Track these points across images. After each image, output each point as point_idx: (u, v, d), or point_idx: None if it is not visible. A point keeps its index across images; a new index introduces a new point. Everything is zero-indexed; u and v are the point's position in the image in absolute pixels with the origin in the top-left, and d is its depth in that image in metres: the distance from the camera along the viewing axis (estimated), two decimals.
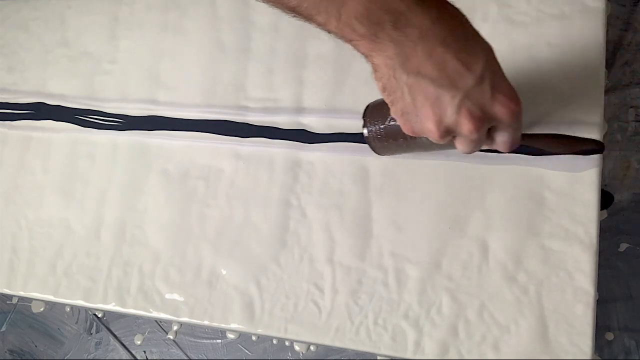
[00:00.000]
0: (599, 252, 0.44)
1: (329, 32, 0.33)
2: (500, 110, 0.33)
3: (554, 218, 0.45)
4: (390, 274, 0.48)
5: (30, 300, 1.29)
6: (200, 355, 1.19)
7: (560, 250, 0.45)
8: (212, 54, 0.58)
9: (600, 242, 0.44)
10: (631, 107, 0.98)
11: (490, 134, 0.36)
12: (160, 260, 0.54)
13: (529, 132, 0.47)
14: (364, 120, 0.45)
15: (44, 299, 0.58)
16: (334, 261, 0.49)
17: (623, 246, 0.97)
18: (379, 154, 0.47)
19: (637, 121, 0.98)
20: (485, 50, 0.33)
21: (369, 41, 0.32)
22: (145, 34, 0.61)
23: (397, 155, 0.50)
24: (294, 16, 0.34)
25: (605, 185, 0.98)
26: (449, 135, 0.34)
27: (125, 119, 0.60)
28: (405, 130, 0.36)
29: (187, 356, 1.19)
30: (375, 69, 0.34)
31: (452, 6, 0.32)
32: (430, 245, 0.47)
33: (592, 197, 0.45)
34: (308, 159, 0.52)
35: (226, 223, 0.53)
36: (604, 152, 0.45)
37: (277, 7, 0.34)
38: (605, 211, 0.97)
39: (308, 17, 0.33)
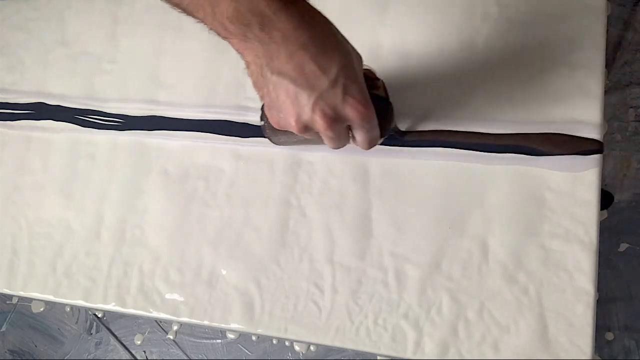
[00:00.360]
0: (599, 252, 0.44)
1: (210, 28, 0.36)
2: (350, 112, 0.36)
3: (554, 218, 0.45)
4: (390, 274, 0.48)
5: (30, 300, 1.29)
6: (200, 355, 1.19)
7: (560, 250, 0.45)
8: (212, 54, 0.58)
9: (600, 242, 0.44)
10: (631, 107, 0.98)
11: (352, 132, 0.40)
12: (160, 260, 0.54)
13: (529, 132, 0.47)
14: (261, 112, 0.47)
15: (44, 299, 0.58)
16: (334, 261, 0.49)
17: (623, 246, 0.97)
18: (275, 144, 0.51)
19: (637, 121, 0.98)
20: (342, 56, 0.35)
21: (240, 40, 0.35)
22: (145, 34, 0.61)
23: (294, 147, 0.52)
24: (180, 11, 0.37)
25: (605, 185, 0.98)
26: (308, 131, 0.38)
27: (125, 119, 0.60)
28: (272, 123, 0.39)
29: (187, 356, 1.19)
30: (247, 66, 0.37)
31: (319, 14, 0.36)
32: (430, 245, 0.47)
33: (592, 197, 0.45)
34: (308, 159, 0.52)
35: (226, 223, 0.53)
36: (603, 152, 0.45)
37: (164, 1, 0.37)
38: (605, 211, 0.97)
39: (190, 14, 0.36)
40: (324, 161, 0.52)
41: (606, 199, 0.97)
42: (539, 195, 0.46)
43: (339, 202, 0.50)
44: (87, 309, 1.24)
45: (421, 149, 0.49)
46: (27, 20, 0.67)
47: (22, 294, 0.58)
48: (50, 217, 0.59)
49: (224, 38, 0.36)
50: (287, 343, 1.11)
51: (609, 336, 0.96)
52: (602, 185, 0.45)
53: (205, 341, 1.19)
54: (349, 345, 0.47)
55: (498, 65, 0.49)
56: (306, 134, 0.38)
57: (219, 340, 1.18)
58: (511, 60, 0.49)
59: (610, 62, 0.99)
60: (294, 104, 0.36)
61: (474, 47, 0.50)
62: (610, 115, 0.98)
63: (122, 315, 1.22)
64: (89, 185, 0.59)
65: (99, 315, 1.26)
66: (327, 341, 0.48)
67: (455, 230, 0.47)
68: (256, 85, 0.37)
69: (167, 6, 0.61)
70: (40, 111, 0.63)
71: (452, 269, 0.46)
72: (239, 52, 0.36)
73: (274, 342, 1.13)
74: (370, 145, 0.42)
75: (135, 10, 0.62)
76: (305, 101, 0.35)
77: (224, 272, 0.52)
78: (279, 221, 0.52)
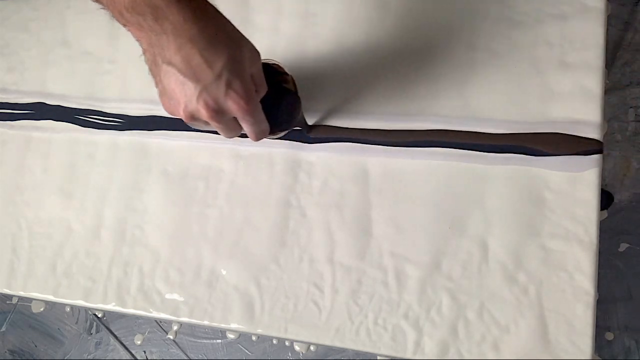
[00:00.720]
0: (599, 252, 0.44)
1: (111, 16, 0.38)
2: (231, 105, 0.38)
3: (554, 218, 0.45)
4: (390, 274, 0.48)
5: (30, 300, 1.29)
6: (200, 355, 1.19)
7: (560, 250, 0.45)
8: None
9: (600, 242, 0.44)
10: (631, 107, 0.98)
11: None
12: (160, 261, 0.54)
13: (529, 132, 0.47)
14: None
15: (44, 299, 0.58)
16: (334, 261, 0.49)
17: (623, 246, 0.97)
18: (191, 128, 0.51)
19: (637, 121, 0.98)
20: (230, 51, 0.37)
21: (136, 29, 0.37)
22: None
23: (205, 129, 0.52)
24: None
25: (605, 185, 0.98)
26: (196, 120, 0.39)
27: (125, 119, 0.60)
28: (165, 109, 0.41)
29: (187, 356, 1.19)
30: (143, 53, 0.39)
31: (212, 8, 0.37)
32: (430, 245, 0.47)
33: (592, 197, 0.45)
34: (308, 159, 0.52)
35: (226, 223, 0.53)
36: (603, 152, 0.45)
37: None
38: (605, 211, 0.97)
39: (96, 1, 0.38)
40: (324, 161, 0.52)
41: (606, 199, 0.97)
42: (539, 195, 0.46)
43: (339, 202, 0.50)
44: (87, 309, 1.24)
45: (421, 149, 0.49)
46: (27, 20, 0.67)
47: (22, 294, 0.58)
48: (50, 217, 0.59)
49: (123, 25, 0.38)
50: (287, 343, 1.11)
51: (609, 336, 0.96)
52: (602, 185, 0.45)
53: (205, 341, 1.19)
54: (349, 345, 0.47)
55: (498, 65, 0.49)
56: (195, 123, 0.40)
57: (219, 340, 1.18)
58: (511, 60, 0.49)
59: (610, 62, 0.99)
60: (181, 94, 0.37)
61: (473, 47, 0.50)
62: (610, 115, 0.99)
63: (122, 315, 1.22)
64: (89, 185, 0.59)
65: (99, 315, 1.27)
66: (327, 341, 0.48)
67: (455, 230, 0.47)
68: (151, 72, 0.39)
69: None
70: (40, 111, 0.63)
71: (452, 269, 0.46)
72: (137, 40, 0.38)
73: (274, 342, 1.14)
74: (258, 137, 0.43)
75: None
76: (192, 92, 0.37)
77: (224, 272, 0.52)
78: (279, 221, 0.52)
